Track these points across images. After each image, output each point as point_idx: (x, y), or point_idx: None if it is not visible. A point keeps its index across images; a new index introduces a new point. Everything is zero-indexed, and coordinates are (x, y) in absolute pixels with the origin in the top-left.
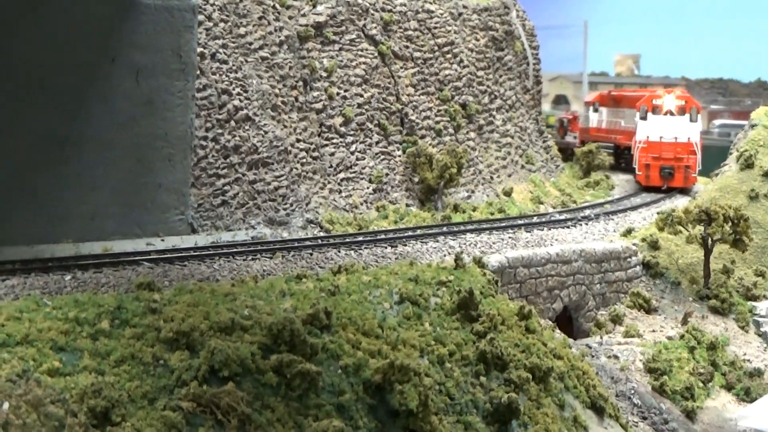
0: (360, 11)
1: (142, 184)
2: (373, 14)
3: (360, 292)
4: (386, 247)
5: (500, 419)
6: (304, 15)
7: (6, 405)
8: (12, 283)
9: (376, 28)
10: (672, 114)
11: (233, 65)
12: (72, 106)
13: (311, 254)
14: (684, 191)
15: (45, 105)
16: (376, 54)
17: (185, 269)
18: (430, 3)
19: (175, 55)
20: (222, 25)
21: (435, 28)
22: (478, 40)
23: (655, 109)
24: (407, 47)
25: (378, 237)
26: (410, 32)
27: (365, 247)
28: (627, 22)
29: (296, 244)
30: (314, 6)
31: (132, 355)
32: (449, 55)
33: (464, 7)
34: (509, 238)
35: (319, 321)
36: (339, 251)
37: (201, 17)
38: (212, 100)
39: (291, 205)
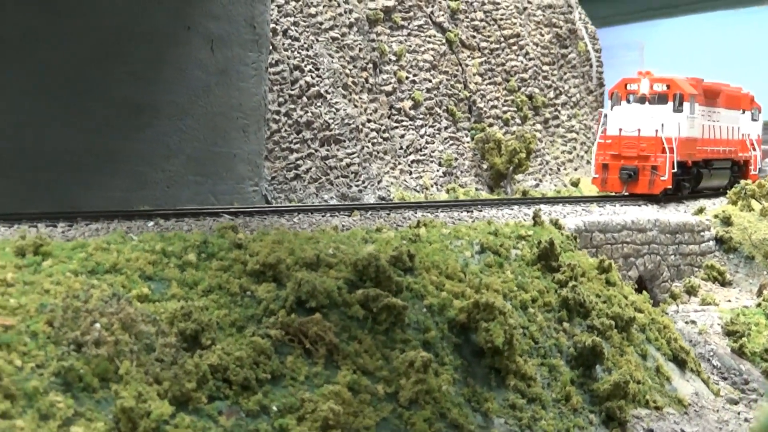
0: None
1: (217, 154)
2: (440, 2)
3: (441, 241)
4: (462, 212)
5: (584, 363)
6: (372, 0)
7: (98, 325)
8: (96, 227)
9: (443, 15)
10: (649, 101)
11: (305, 43)
12: (148, 74)
13: (388, 214)
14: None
15: (121, 72)
16: (444, 41)
17: (266, 221)
18: None
19: (249, 26)
20: (293, 3)
21: (501, 19)
22: (542, 35)
23: (630, 96)
24: (474, 37)
25: (454, 203)
26: (476, 22)
27: (441, 211)
28: (683, 63)
29: (373, 205)
30: None
31: (219, 285)
32: (515, 47)
33: (529, 2)
34: (582, 210)
35: (403, 263)
36: (416, 212)
37: None
38: (284, 75)
39: (363, 182)
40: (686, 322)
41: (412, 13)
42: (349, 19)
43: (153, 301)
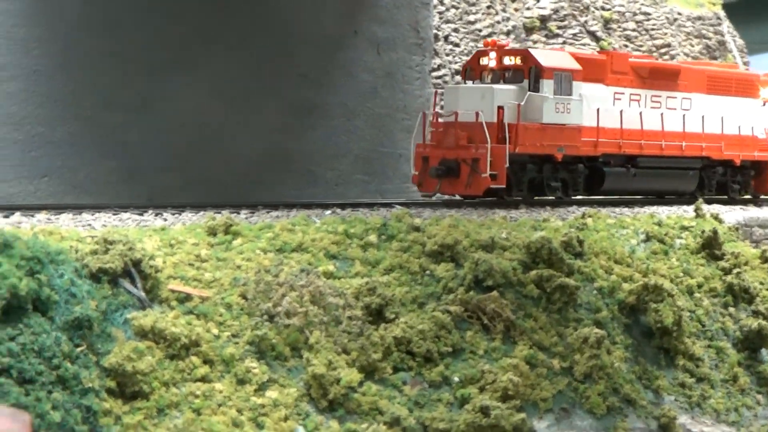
0: (581, 8)
1: (383, 154)
2: (593, 12)
3: (607, 230)
4: (624, 207)
5: (750, 346)
6: (528, 8)
7: (287, 298)
8: (276, 214)
9: (596, 24)
10: (505, 79)
11: (465, 48)
12: (317, 76)
13: (552, 207)
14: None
15: (292, 74)
16: (598, 50)
17: (436, 212)
18: (647, 5)
19: (413, 30)
20: (453, 11)
21: (652, 29)
22: (692, 46)
23: (483, 72)
24: (626, 46)
25: (613, 200)
26: (629, 32)
27: (603, 206)
28: None
29: (537, 200)
30: (538, 0)
31: (400, 264)
32: (666, 57)
33: (679, 13)
34: (739, 208)
35: (573, 247)
36: (579, 207)
37: (434, 1)
38: (446, 79)
39: None
40: None
41: (566, 22)
42: (506, 26)
43: (338, 278)
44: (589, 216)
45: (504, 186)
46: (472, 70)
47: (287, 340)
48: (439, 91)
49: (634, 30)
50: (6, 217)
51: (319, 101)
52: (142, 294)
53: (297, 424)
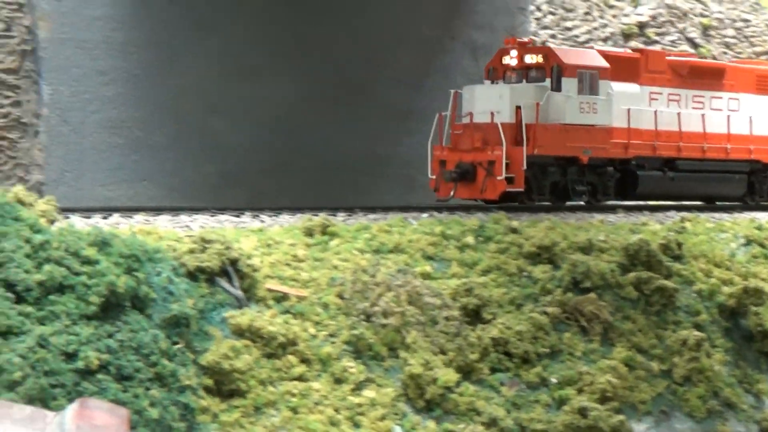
0: (679, 14)
1: None
2: (692, 18)
3: (706, 234)
4: (723, 213)
5: None
6: (626, 15)
7: (384, 298)
8: (374, 216)
9: (695, 31)
10: (528, 78)
11: None
12: (414, 81)
13: (651, 212)
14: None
15: (389, 78)
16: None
17: (532, 217)
18: (747, 12)
19: (509, 35)
20: (550, 17)
21: (752, 36)
22: None
23: (506, 72)
24: (725, 53)
25: (714, 205)
26: (728, 39)
27: (702, 213)
28: None
29: (634, 204)
30: (636, 7)
31: (497, 266)
32: None
33: None
34: None
35: (671, 250)
36: (678, 212)
37: (531, 7)
38: None
39: None
40: None
41: (665, 29)
42: (604, 33)
43: (435, 279)
44: (688, 220)
45: (522, 190)
46: (495, 70)
47: (384, 340)
48: (459, 91)
49: (733, 37)
50: (105, 218)
51: (416, 106)
52: (240, 293)
53: (394, 423)
